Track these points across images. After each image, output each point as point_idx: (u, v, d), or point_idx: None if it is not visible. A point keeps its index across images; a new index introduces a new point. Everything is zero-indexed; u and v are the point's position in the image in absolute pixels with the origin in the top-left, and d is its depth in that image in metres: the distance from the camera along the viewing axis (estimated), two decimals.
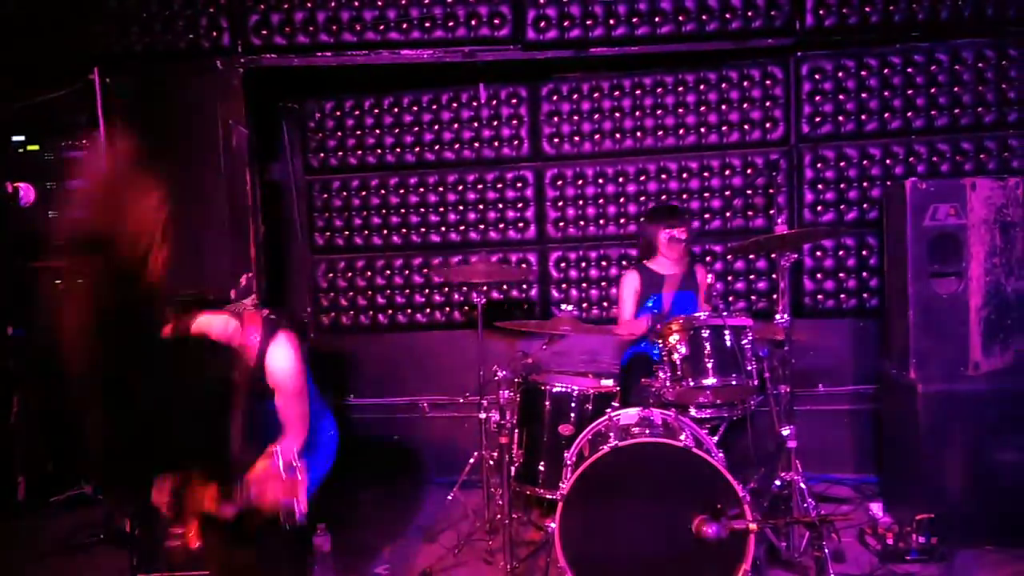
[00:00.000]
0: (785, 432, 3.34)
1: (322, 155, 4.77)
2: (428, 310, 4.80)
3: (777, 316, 3.39)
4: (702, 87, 4.50)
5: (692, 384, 3.22)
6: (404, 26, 4.31)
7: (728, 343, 3.23)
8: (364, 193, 4.77)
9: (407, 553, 3.72)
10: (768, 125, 4.46)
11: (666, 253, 3.96)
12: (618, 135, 4.58)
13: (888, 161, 4.37)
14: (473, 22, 4.30)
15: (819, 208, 4.45)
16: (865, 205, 4.40)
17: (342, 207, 4.79)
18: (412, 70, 4.46)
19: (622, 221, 4.63)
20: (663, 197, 4.56)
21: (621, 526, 2.88)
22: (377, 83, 4.67)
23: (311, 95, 4.74)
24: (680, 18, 4.25)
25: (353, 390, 4.84)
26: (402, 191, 4.75)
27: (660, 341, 3.34)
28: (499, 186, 4.68)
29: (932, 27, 4.20)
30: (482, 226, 4.71)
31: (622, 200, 4.62)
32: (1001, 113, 4.29)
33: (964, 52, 4.28)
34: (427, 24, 4.31)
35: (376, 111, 4.72)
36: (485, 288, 3.99)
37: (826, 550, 2.94)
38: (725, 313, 3.28)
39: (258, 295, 4.14)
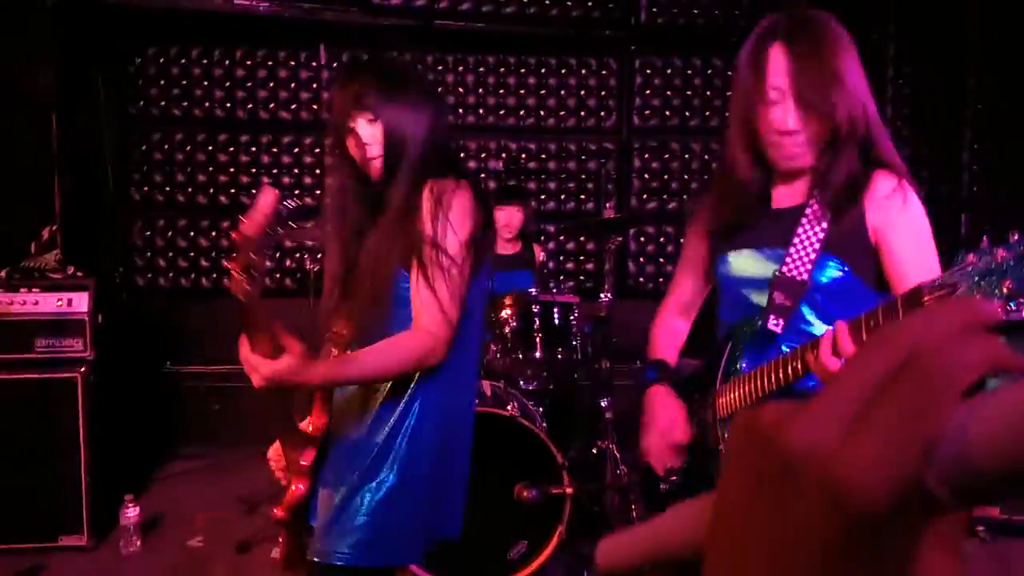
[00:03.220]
0: (603, 403, 3.56)
1: (142, 104, 4.43)
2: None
3: (601, 295, 3.59)
4: (543, 71, 4.63)
5: (521, 357, 3.34)
6: None
7: (556, 319, 3.38)
8: (189, 148, 4.49)
9: (225, 525, 3.59)
10: (602, 114, 4.67)
11: (500, 232, 4.05)
12: (461, 110, 4.62)
13: (707, 156, 4.72)
14: None
15: (644, 196, 4.74)
16: (685, 196, 4.74)
17: (163, 161, 4.48)
18: (248, 22, 4.23)
19: None
20: (502, 175, 4.66)
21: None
22: (208, 32, 4.39)
23: (133, 38, 4.37)
24: (524, 0, 4.34)
25: (171, 356, 4.57)
26: (232, 149, 4.51)
27: (492, 315, 3.44)
28: None
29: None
30: (318, 191, 4.58)
31: None
32: None
33: None
34: None
35: (205, 62, 4.44)
36: (319, 255, 3.90)
37: (634, 513, 3.20)
38: (555, 290, 3.42)
39: (62, 251, 3.79)
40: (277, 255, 4.59)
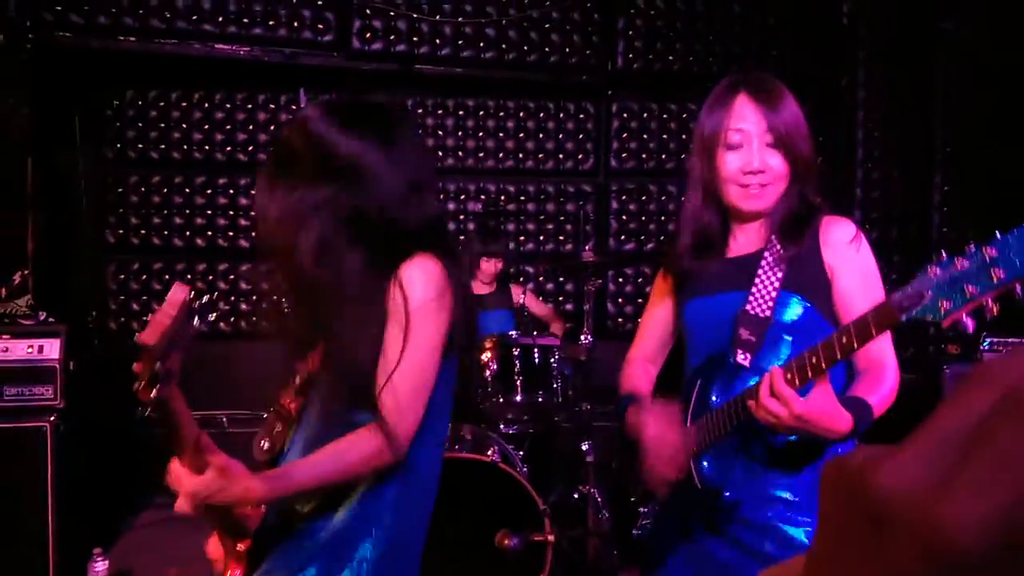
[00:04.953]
0: (584, 447, 3.53)
1: (119, 146, 4.41)
2: (232, 319, 4.56)
3: (582, 337, 3.58)
4: (522, 114, 4.68)
5: (502, 400, 3.31)
6: (219, 19, 4.11)
7: (536, 361, 3.37)
8: (166, 191, 4.46)
9: None
10: (580, 156, 4.72)
11: (481, 276, 4.10)
12: (440, 153, 4.64)
13: (683, 199, 4.77)
14: (295, 24, 4.19)
15: (622, 237, 4.77)
16: (662, 237, 4.78)
17: (139, 204, 4.44)
18: (227, 66, 4.25)
19: None
20: (484, 217, 4.67)
21: (427, 541, 2.89)
22: (187, 76, 4.40)
23: (112, 82, 4.37)
24: (503, 46, 4.40)
25: (143, 403, 4.47)
26: (209, 192, 4.49)
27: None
28: None
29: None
30: None
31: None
32: None
33: None
34: (245, 20, 4.13)
35: (184, 105, 4.44)
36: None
37: (616, 555, 3.15)
38: (535, 333, 3.42)
39: (34, 296, 3.72)
40: (254, 298, 4.54)
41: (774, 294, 1.51)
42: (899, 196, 4.65)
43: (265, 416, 1.58)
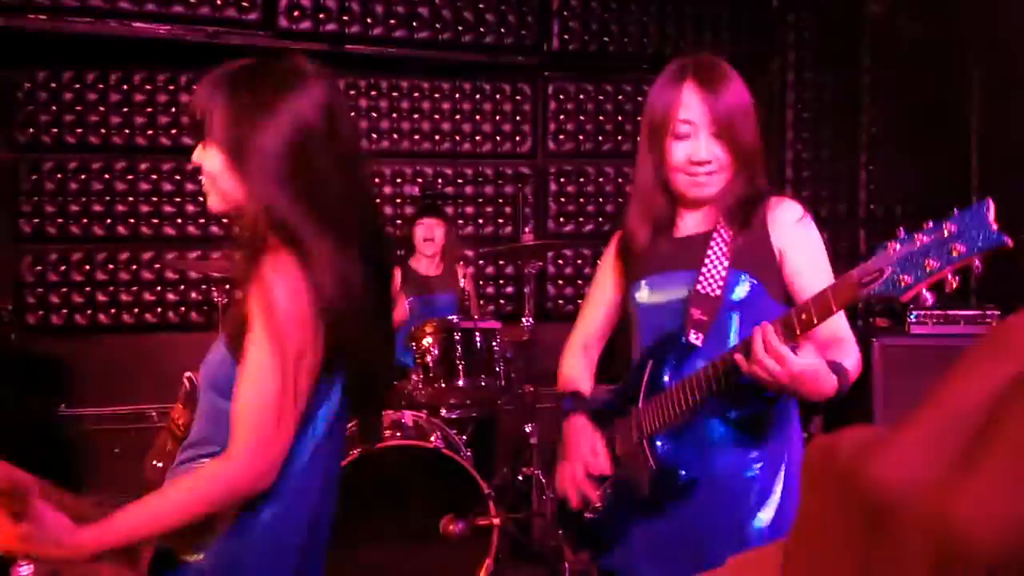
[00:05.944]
0: (528, 429, 3.52)
1: (31, 131, 4.16)
2: (159, 309, 4.38)
3: (523, 319, 3.56)
4: (457, 96, 4.61)
5: (444, 385, 3.27)
6: None
7: (479, 345, 3.33)
8: (84, 176, 4.24)
9: None
10: (518, 138, 4.68)
11: (422, 249, 3.96)
12: (374, 135, 4.54)
13: (620, 180, 4.80)
14: (218, 2, 4.02)
15: (561, 219, 4.76)
16: (601, 218, 4.79)
17: (56, 191, 4.21)
18: (147, 46, 4.06)
19: None
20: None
21: (371, 530, 2.84)
22: (105, 57, 4.18)
23: (22, 63, 4.11)
24: (437, 26, 4.32)
25: (66, 399, 4.27)
26: (131, 177, 4.29)
27: (414, 344, 3.36)
28: None
29: (660, 60, 4.69)
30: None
31: (377, 202, 4.58)
32: None
33: None
34: None
35: (101, 86, 4.22)
36: (227, 286, 3.74)
37: (565, 538, 3.15)
38: (476, 316, 3.38)
39: None
40: (182, 287, 4.37)
41: (724, 273, 1.51)
42: (828, 175, 4.78)
43: (158, 431, 1.46)
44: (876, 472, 0.25)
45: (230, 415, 1.19)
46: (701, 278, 1.52)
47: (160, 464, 1.40)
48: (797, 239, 1.54)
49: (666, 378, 1.53)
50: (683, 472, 1.49)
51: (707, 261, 1.53)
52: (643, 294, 1.64)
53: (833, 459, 0.28)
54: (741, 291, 1.52)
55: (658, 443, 1.51)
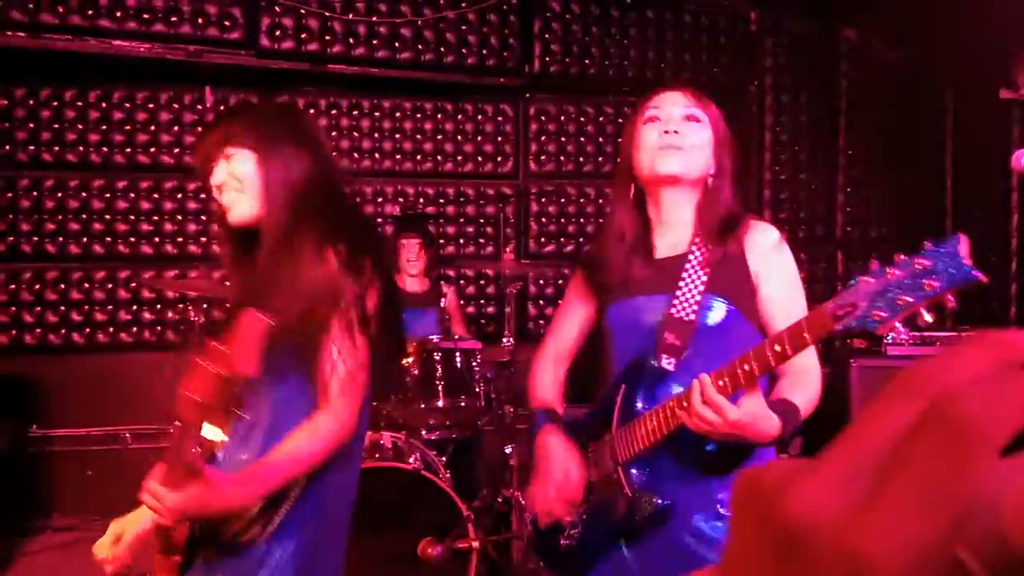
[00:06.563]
0: (508, 450, 3.49)
1: (8, 148, 4.12)
2: (135, 329, 4.32)
3: (503, 339, 3.55)
4: (440, 116, 4.62)
5: (423, 406, 3.24)
6: (117, 14, 3.90)
7: (459, 365, 3.31)
8: (60, 195, 4.19)
9: None
10: (499, 159, 4.70)
11: (404, 266, 3.94)
12: (356, 155, 4.53)
13: (601, 201, 4.82)
14: (200, 20, 4.01)
15: (542, 239, 4.77)
16: (581, 239, 4.80)
17: (31, 209, 4.16)
18: (127, 64, 4.03)
19: None
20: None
21: (348, 554, 2.80)
22: (83, 74, 4.15)
23: (0, 80, 4.08)
24: (419, 47, 4.34)
25: (39, 419, 4.18)
26: (108, 195, 4.25)
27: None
28: None
29: (640, 82, 4.74)
30: (204, 239, 4.36)
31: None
32: None
33: None
34: (145, 16, 3.94)
35: (79, 104, 4.19)
36: (205, 306, 3.69)
37: (541, 563, 3.12)
38: (460, 336, 3.36)
39: None
40: (159, 307, 4.32)
41: (699, 297, 1.50)
42: (805, 196, 4.83)
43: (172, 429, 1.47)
44: (791, 506, 0.26)
45: (318, 379, 1.38)
46: (676, 302, 1.50)
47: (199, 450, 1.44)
48: (774, 265, 1.53)
49: (639, 404, 1.51)
50: (658, 500, 1.46)
51: (682, 284, 1.51)
52: (617, 317, 1.62)
53: (756, 491, 0.28)
54: (716, 315, 1.51)
55: (633, 470, 1.49)
